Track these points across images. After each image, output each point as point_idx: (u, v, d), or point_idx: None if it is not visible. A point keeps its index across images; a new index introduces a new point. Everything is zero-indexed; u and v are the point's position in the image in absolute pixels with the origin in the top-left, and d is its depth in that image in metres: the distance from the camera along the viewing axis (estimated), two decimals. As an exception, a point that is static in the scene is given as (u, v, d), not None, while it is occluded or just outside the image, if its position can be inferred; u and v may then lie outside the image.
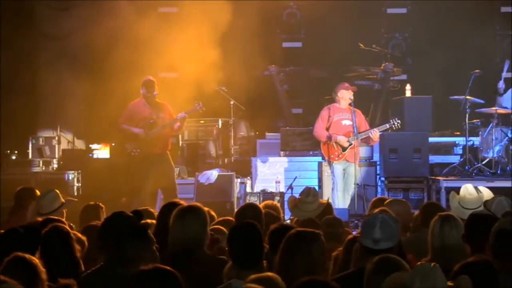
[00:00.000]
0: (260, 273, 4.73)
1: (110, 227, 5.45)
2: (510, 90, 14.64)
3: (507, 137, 13.64)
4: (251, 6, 15.10)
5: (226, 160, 15.35)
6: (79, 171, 14.55)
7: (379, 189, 14.30)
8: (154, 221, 6.74)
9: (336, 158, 12.65)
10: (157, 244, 5.50)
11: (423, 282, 3.94)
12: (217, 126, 15.45)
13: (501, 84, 14.47)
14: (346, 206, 12.44)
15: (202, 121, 15.34)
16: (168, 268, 4.37)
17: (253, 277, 4.52)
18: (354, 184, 12.71)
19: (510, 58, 16.39)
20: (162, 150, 12.91)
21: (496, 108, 13.90)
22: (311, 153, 14.80)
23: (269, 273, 4.66)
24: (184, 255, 5.57)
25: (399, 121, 12.66)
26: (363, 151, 14.12)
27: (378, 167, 14.38)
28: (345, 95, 12.71)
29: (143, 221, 5.56)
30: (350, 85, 13.08)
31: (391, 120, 12.76)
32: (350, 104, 12.71)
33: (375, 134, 12.66)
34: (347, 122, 12.73)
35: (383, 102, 15.64)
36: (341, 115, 12.76)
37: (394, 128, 12.73)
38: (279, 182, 14.11)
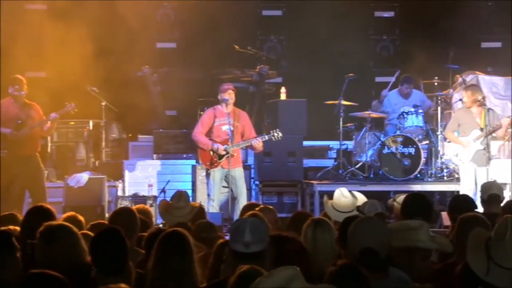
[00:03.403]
0: (124, 280, 4.72)
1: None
2: (386, 97, 14.81)
3: (379, 141, 13.77)
4: (124, 6, 14.87)
5: (97, 163, 15.03)
6: None
7: (253, 192, 14.24)
8: (17, 228, 6.48)
9: (211, 166, 12.39)
10: (22, 249, 5.42)
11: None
12: (87, 127, 15.12)
13: (385, 92, 14.63)
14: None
15: (72, 123, 14.98)
16: (56, 274, 4.40)
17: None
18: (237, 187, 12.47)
19: (382, 62, 16.71)
20: (31, 152, 12.61)
21: (370, 112, 14.02)
22: (184, 156, 14.68)
23: (122, 285, 4.54)
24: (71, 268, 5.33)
25: (279, 132, 12.47)
26: (239, 155, 13.98)
27: (252, 171, 14.30)
28: (222, 97, 12.45)
29: (6, 228, 5.47)
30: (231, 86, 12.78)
31: (271, 132, 12.53)
32: (234, 105, 12.51)
33: (258, 144, 12.44)
34: (226, 128, 12.41)
35: (257, 105, 15.56)
36: (222, 119, 12.44)
37: (274, 140, 12.53)
38: (151, 185, 13.92)
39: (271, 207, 8.21)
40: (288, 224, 7.11)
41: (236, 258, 4.91)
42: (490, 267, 3.64)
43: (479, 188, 9.49)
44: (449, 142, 13.37)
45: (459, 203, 7.70)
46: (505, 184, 12.99)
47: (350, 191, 8.26)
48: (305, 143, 14.57)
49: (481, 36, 17.06)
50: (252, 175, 14.29)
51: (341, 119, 13.99)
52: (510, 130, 13.98)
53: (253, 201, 13.04)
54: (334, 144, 15.00)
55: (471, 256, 3.77)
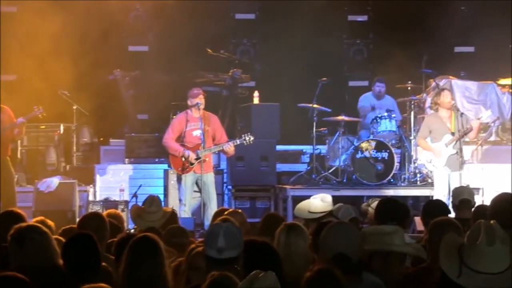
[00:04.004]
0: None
1: None
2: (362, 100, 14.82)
3: (353, 146, 13.73)
4: (96, 8, 14.76)
5: (68, 167, 14.94)
6: None
7: (226, 197, 14.14)
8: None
9: (182, 172, 12.28)
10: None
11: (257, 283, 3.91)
12: (58, 131, 15.00)
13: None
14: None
15: (43, 127, 14.86)
16: (19, 275, 4.41)
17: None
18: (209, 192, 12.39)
19: (355, 66, 16.73)
20: (1, 156, 12.47)
21: (343, 116, 13.97)
22: (156, 160, 14.57)
23: (102, 284, 4.52)
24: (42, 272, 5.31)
25: (251, 136, 12.39)
26: (211, 159, 13.89)
27: (225, 175, 14.20)
28: (193, 102, 12.34)
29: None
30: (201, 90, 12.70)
31: (242, 136, 12.45)
32: (204, 109, 12.40)
33: (230, 148, 12.34)
34: (197, 133, 12.29)
35: (230, 109, 15.49)
36: (193, 124, 12.31)
37: (246, 144, 12.44)
38: (123, 190, 13.78)
39: (239, 210, 8.17)
40: (261, 228, 7.07)
41: (209, 263, 4.86)
42: (462, 271, 3.67)
43: (451, 193, 9.46)
44: (422, 149, 13.33)
45: (433, 208, 7.68)
46: (478, 189, 13.02)
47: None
48: (278, 147, 14.51)
49: (454, 41, 17.09)
50: (225, 180, 14.19)
51: (314, 124, 13.95)
52: (482, 134, 14.02)
53: (225, 206, 12.99)
54: (307, 148, 14.95)
55: (444, 259, 3.79)
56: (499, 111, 14.65)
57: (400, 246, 5.22)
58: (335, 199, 8.68)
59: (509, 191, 8.65)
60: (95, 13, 14.71)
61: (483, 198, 12.92)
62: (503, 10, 15.78)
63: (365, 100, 14.81)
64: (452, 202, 8.70)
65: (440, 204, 8.06)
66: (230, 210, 8.13)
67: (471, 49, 17.05)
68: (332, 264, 4.80)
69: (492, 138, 14.82)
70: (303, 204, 8.40)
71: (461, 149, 12.39)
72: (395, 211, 6.95)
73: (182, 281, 5.33)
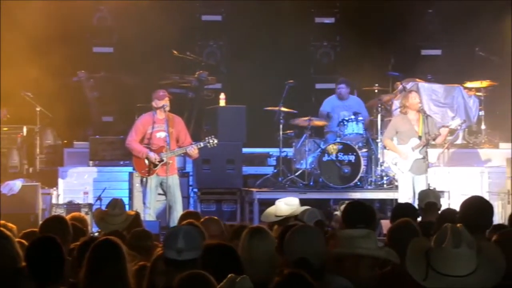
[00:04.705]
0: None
1: None
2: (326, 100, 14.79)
3: (319, 148, 13.68)
4: (60, 9, 14.65)
5: (31, 170, 14.73)
6: None
7: (191, 200, 14.06)
8: None
9: (146, 174, 12.17)
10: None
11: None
12: (21, 133, 14.78)
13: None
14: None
15: (5, 129, 14.66)
16: None
17: None
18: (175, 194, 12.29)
19: (322, 69, 16.75)
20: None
21: (310, 118, 13.91)
22: (121, 163, 14.47)
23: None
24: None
25: (215, 139, 12.30)
26: (175, 162, 13.79)
27: (190, 178, 14.11)
28: (159, 104, 12.23)
29: None
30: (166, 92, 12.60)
31: (206, 138, 12.37)
32: (169, 111, 12.28)
33: (194, 151, 12.24)
34: (162, 135, 12.22)
35: (196, 111, 15.42)
36: (158, 126, 12.23)
37: (210, 146, 12.35)
38: (87, 193, 13.75)
39: (215, 217, 8.08)
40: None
41: (169, 265, 4.86)
42: (429, 273, 3.74)
43: (418, 196, 9.46)
44: (388, 149, 13.34)
45: (402, 211, 7.69)
46: (444, 192, 13.03)
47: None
48: (245, 150, 14.47)
49: (421, 44, 17.16)
50: (191, 183, 14.12)
51: (281, 126, 13.89)
52: (449, 137, 14.04)
53: (191, 209, 12.89)
54: (274, 151, 14.91)
55: (410, 262, 3.87)
56: (466, 114, 14.69)
57: (372, 250, 5.16)
58: (301, 202, 8.69)
59: (475, 194, 8.67)
60: (59, 13, 14.56)
61: (450, 201, 12.94)
62: (470, 14, 15.85)
63: (327, 104, 14.74)
64: (418, 205, 8.72)
65: (409, 207, 8.09)
66: (207, 217, 8.01)
67: (438, 52, 17.12)
68: (294, 268, 4.78)
69: (459, 141, 14.87)
70: (270, 209, 8.53)
71: (427, 153, 12.41)
72: (362, 214, 6.90)
73: (144, 285, 5.27)
